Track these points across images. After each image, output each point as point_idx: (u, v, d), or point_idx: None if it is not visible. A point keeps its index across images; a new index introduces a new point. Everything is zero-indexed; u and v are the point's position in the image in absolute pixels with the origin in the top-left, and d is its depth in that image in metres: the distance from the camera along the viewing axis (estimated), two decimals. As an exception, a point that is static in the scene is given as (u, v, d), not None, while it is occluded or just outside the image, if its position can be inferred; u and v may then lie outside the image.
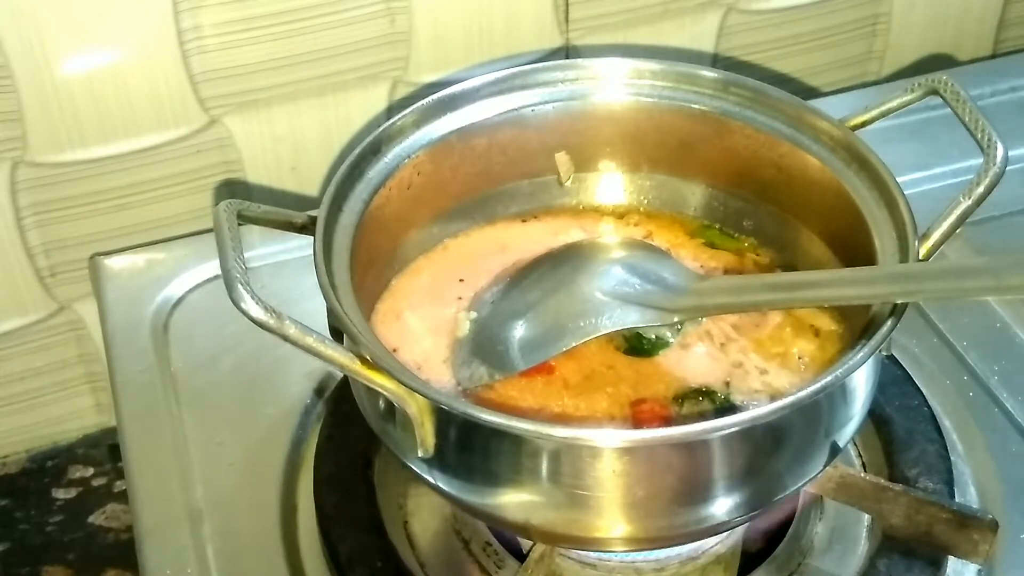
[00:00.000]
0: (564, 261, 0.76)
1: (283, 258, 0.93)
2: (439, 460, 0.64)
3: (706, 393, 0.70)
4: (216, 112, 0.96)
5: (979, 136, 0.69)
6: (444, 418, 0.62)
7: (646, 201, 0.82)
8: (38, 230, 0.96)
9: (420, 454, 0.64)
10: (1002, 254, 0.86)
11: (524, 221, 0.82)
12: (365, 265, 0.72)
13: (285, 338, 0.59)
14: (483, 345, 0.72)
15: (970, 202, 0.68)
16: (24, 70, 0.89)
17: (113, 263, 0.95)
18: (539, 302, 0.73)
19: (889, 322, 0.63)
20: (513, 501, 0.64)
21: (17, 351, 1.01)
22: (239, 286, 0.58)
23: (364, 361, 0.61)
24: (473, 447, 0.63)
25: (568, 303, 0.72)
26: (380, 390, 0.62)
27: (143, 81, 0.92)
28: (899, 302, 0.63)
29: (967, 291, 0.64)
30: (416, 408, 0.62)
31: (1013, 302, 0.89)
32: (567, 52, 1.03)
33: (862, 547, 0.77)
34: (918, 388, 0.82)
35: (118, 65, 0.91)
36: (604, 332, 0.70)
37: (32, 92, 0.90)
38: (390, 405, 0.63)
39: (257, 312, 0.58)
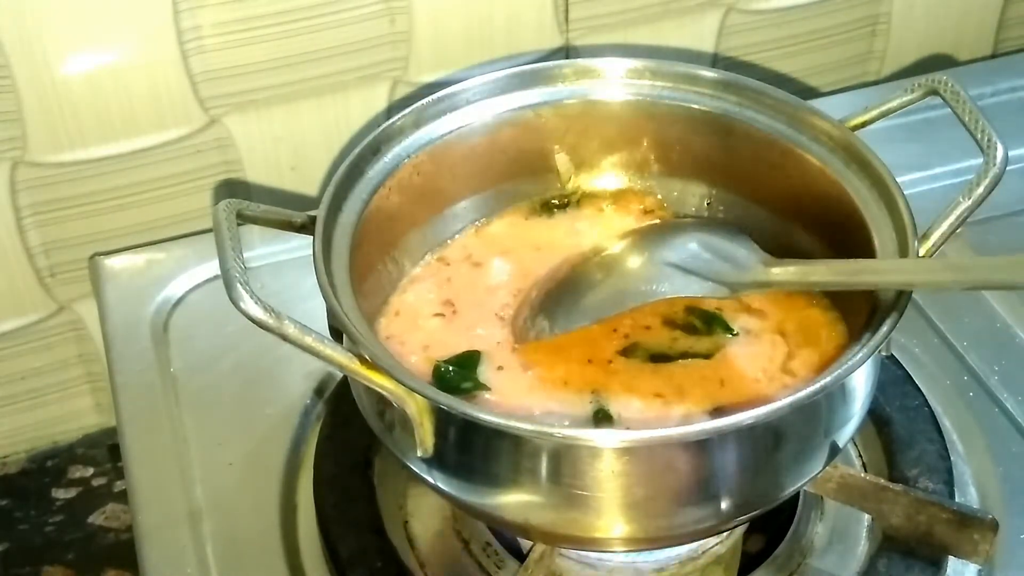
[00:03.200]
0: (642, 234, 0.78)
1: (283, 258, 0.93)
2: (438, 460, 0.64)
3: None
4: (216, 112, 0.96)
5: (979, 136, 0.69)
6: (443, 418, 0.62)
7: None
8: (38, 230, 0.96)
9: (419, 454, 0.64)
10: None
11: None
12: (364, 265, 0.72)
13: (284, 338, 0.59)
14: (547, 303, 0.74)
15: (970, 202, 0.68)
16: (24, 70, 0.89)
17: (113, 263, 0.95)
18: (606, 269, 0.76)
19: (889, 322, 0.63)
20: (513, 501, 0.64)
21: (17, 351, 1.01)
22: (238, 286, 0.58)
23: (363, 361, 0.61)
24: (472, 447, 0.63)
25: (634, 269, 0.75)
26: (379, 390, 0.62)
27: (143, 81, 0.92)
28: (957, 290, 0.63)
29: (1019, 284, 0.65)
30: (415, 408, 0.62)
31: (1013, 302, 0.89)
32: (567, 52, 1.03)
33: (862, 547, 0.77)
34: (918, 388, 0.82)
35: (118, 65, 0.91)
36: (661, 298, 0.72)
37: (32, 92, 0.90)
38: (389, 405, 0.63)
39: (256, 312, 0.58)
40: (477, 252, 0.79)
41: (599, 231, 0.80)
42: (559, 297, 0.74)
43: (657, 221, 0.81)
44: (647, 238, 0.77)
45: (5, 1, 0.86)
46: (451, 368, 0.70)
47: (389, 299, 0.75)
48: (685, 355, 0.72)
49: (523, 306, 0.75)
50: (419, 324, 0.74)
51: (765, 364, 0.71)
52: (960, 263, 0.65)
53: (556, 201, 0.82)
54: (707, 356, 0.72)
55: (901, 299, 0.64)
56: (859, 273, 0.68)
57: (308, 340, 0.60)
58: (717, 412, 0.68)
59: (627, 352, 0.72)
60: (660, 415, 0.68)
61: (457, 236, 0.80)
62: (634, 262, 0.75)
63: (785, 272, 0.71)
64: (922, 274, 0.65)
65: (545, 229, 0.81)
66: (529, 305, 0.75)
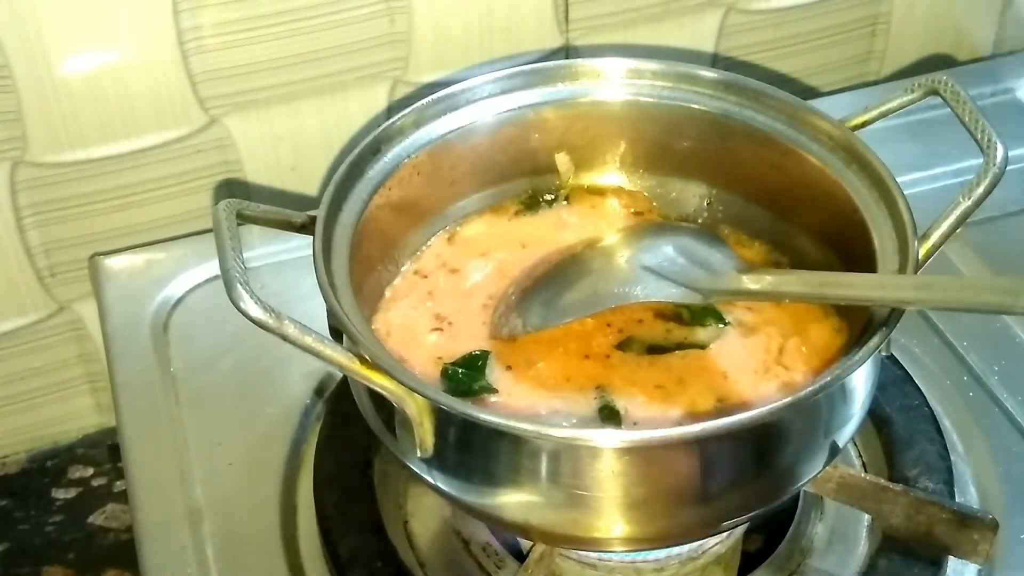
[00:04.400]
0: (619, 237, 0.78)
1: (283, 258, 0.93)
2: (438, 460, 0.64)
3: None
4: (216, 112, 0.96)
5: (979, 136, 0.69)
6: (443, 418, 0.62)
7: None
8: (38, 230, 0.96)
9: (419, 454, 0.64)
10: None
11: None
12: (364, 265, 0.72)
13: (284, 338, 0.59)
14: (523, 302, 0.73)
15: (970, 202, 0.68)
16: (24, 70, 0.89)
17: (113, 263, 0.95)
18: (583, 269, 0.75)
19: (888, 322, 0.63)
20: (512, 501, 0.64)
21: (17, 351, 1.01)
22: (238, 286, 0.58)
23: (363, 361, 0.61)
24: (472, 447, 0.63)
25: (609, 271, 0.75)
26: (379, 390, 0.62)
27: (143, 81, 0.92)
28: (916, 309, 0.63)
29: (984, 306, 0.64)
30: (415, 408, 0.62)
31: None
32: (567, 52, 1.03)
33: (862, 547, 0.77)
34: (918, 388, 0.82)
35: (118, 65, 0.91)
36: (635, 301, 0.72)
37: (32, 92, 0.90)
38: (389, 405, 0.63)
39: (256, 312, 0.58)
40: (455, 258, 0.79)
41: (586, 229, 0.80)
42: (534, 295, 0.74)
43: (637, 223, 0.81)
44: (624, 240, 0.78)
45: (5, 1, 0.86)
46: (460, 370, 0.70)
47: (373, 317, 0.75)
48: (681, 346, 0.72)
49: (500, 302, 0.75)
50: (418, 340, 0.74)
51: (761, 355, 0.71)
52: (934, 282, 0.64)
53: (545, 196, 0.82)
54: (703, 347, 0.72)
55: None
56: (831, 286, 0.68)
57: (308, 340, 0.60)
58: (721, 403, 0.68)
59: (623, 346, 0.72)
60: (664, 408, 0.68)
61: (431, 242, 0.80)
62: (609, 264, 0.75)
63: (758, 281, 0.70)
64: (893, 290, 0.65)
65: (531, 227, 0.81)
66: (505, 302, 0.75)
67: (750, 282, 0.71)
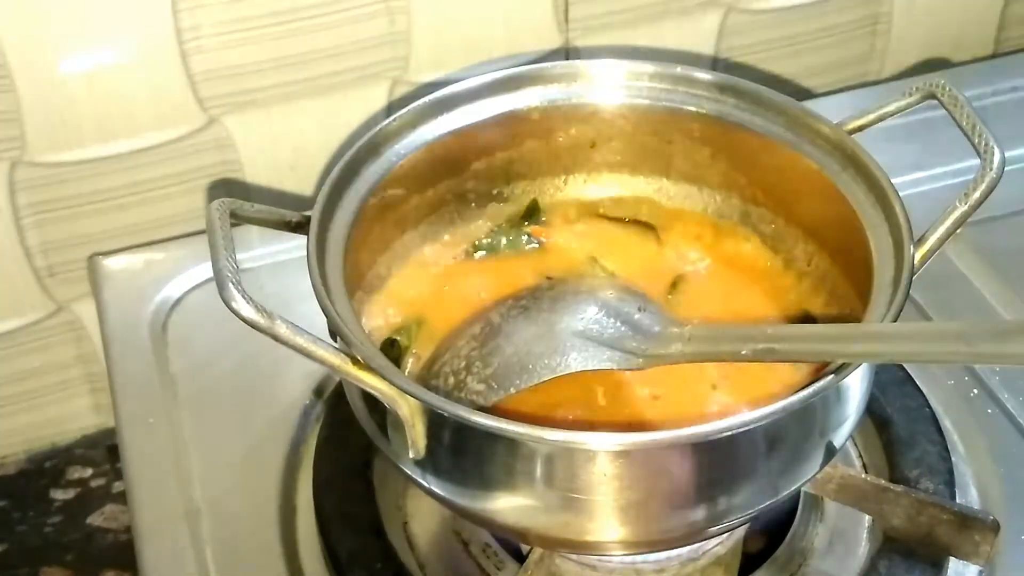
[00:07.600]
0: (541, 297, 0.73)
1: (281, 258, 0.93)
2: (431, 462, 0.64)
3: None
4: (215, 112, 0.96)
5: (976, 141, 0.68)
6: (435, 420, 0.62)
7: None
8: (37, 230, 0.96)
9: (411, 455, 0.63)
10: (977, 320, 0.87)
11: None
12: (360, 265, 0.71)
13: (276, 338, 0.59)
14: (450, 376, 0.70)
15: (966, 207, 0.67)
16: (24, 70, 0.89)
17: (112, 263, 0.95)
18: (510, 338, 0.70)
19: (887, 322, 0.63)
20: (506, 505, 0.64)
21: (16, 351, 1.01)
22: (230, 285, 0.58)
23: (355, 362, 0.61)
24: (465, 449, 0.63)
25: (538, 340, 0.70)
26: (371, 391, 0.61)
27: (143, 81, 0.92)
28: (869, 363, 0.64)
29: (939, 355, 0.63)
30: (407, 409, 0.62)
31: (1015, 302, 0.89)
32: (567, 52, 1.03)
33: (863, 548, 0.77)
34: (919, 389, 0.82)
35: (118, 65, 0.91)
36: (569, 372, 0.68)
37: (32, 92, 0.90)
38: (382, 407, 0.63)
39: (248, 311, 0.58)
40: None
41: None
42: (462, 370, 0.70)
43: (557, 286, 0.76)
44: (548, 304, 0.72)
45: (5, 1, 0.86)
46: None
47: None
48: None
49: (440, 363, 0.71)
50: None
51: None
52: (883, 332, 0.62)
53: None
54: None
55: (896, 298, 0.64)
56: (774, 340, 0.64)
57: (299, 340, 0.59)
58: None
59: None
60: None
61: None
62: (538, 332, 0.70)
63: (691, 337, 0.67)
64: (836, 344, 0.63)
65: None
66: (452, 371, 0.70)
67: (683, 341, 0.67)
